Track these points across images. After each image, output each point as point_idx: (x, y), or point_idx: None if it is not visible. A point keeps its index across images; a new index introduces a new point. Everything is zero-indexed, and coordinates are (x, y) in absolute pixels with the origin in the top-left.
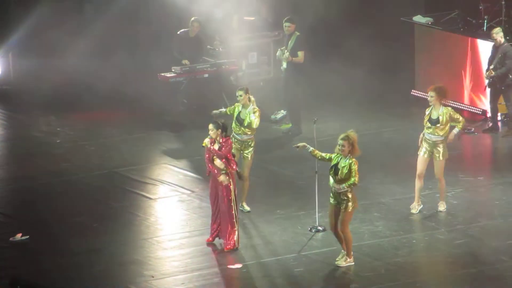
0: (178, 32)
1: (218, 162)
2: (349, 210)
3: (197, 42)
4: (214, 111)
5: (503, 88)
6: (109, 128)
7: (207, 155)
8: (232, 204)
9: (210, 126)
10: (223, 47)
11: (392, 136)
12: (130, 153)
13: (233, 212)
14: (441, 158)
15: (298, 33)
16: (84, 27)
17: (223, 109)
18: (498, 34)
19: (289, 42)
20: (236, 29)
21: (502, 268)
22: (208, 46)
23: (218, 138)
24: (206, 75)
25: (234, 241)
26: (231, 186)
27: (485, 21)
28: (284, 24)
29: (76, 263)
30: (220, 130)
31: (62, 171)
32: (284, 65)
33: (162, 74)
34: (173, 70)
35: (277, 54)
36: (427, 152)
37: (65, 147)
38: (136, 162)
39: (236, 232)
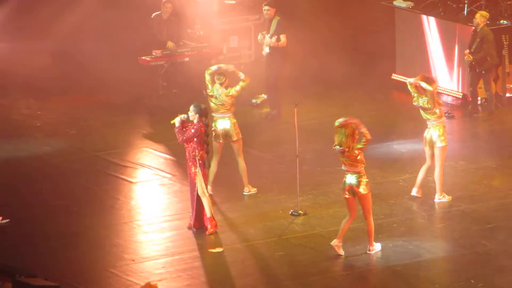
0: (152, 15)
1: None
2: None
3: (171, 23)
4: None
5: (482, 72)
6: (90, 112)
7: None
8: (196, 187)
9: (191, 108)
10: (203, 30)
11: (373, 120)
12: (110, 137)
13: (199, 194)
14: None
15: (278, 18)
16: (64, 10)
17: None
18: (481, 18)
19: (271, 26)
20: (217, 12)
21: (482, 252)
22: (189, 30)
23: (194, 122)
24: (187, 59)
25: (211, 224)
26: (195, 169)
27: (465, 5)
28: (263, 8)
29: (56, 246)
30: (198, 115)
31: (42, 154)
32: (267, 49)
33: (143, 57)
34: (153, 54)
35: (258, 38)
36: None
37: (46, 130)
38: (116, 145)
39: (209, 216)
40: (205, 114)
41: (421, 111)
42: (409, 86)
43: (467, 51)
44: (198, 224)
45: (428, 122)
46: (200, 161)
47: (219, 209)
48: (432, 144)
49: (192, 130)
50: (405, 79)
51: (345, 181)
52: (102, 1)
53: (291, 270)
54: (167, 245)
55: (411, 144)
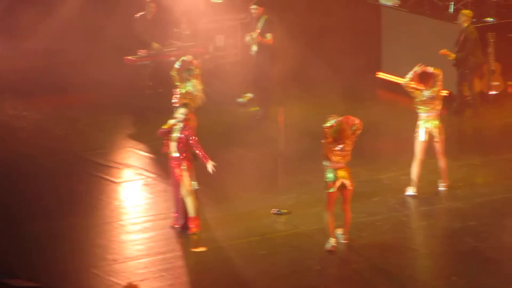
0: (136, 16)
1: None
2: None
3: (155, 23)
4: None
5: (466, 71)
6: (74, 112)
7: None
8: (181, 189)
9: (182, 110)
10: (189, 30)
11: (359, 118)
12: (95, 137)
13: (179, 196)
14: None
15: (266, 16)
16: (50, 10)
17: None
18: (463, 17)
19: (258, 25)
20: (203, 11)
21: (465, 249)
22: (175, 29)
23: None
24: (173, 58)
25: (193, 224)
26: (182, 171)
27: (452, 3)
28: (251, 7)
29: (38, 247)
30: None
31: (26, 154)
32: (255, 48)
33: (129, 57)
34: (139, 54)
35: (246, 39)
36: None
37: (30, 130)
38: (101, 145)
39: (192, 216)
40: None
41: (422, 106)
42: (407, 85)
43: (444, 50)
44: (183, 224)
45: (427, 115)
46: (188, 161)
47: (202, 208)
48: (432, 137)
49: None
50: (391, 77)
51: (335, 176)
52: (89, 0)
53: (275, 269)
54: (150, 245)
55: (395, 142)
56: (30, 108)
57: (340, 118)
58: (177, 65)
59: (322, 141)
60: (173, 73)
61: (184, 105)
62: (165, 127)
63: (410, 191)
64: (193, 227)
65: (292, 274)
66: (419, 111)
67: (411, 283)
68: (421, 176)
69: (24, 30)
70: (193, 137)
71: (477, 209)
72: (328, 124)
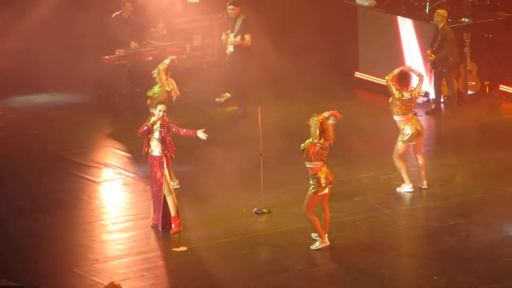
0: (112, 15)
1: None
2: (309, 193)
3: (132, 23)
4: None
5: (444, 70)
6: (53, 112)
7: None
8: (163, 188)
9: (162, 107)
10: (166, 29)
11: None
12: (74, 136)
13: (161, 195)
14: (399, 138)
15: (243, 17)
16: (25, 9)
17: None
18: (438, 17)
19: (235, 25)
20: (180, 11)
21: (445, 248)
22: (152, 29)
23: (162, 121)
24: (150, 58)
25: (175, 224)
26: (164, 170)
27: (427, 3)
28: (228, 7)
29: (19, 246)
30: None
31: (4, 154)
32: (231, 48)
33: (106, 57)
34: (116, 53)
35: (222, 38)
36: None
37: (8, 130)
38: (80, 145)
39: (174, 215)
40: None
41: (402, 108)
42: (390, 83)
43: (429, 50)
44: (164, 224)
45: (408, 116)
46: (169, 160)
47: (182, 208)
48: (418, 135)
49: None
50: (368, 77)
51: (327, 177)
52: (65, 0)
53: (255, 269)
54: (131, 245)
55: (374, 142)
56: (7, 108)
57: (321, 117)
58: (162, 67)
59: (317, 142)
60: (161, 74)
61: (160, 102)
62: (149, 124)
63: (408, 187)
64: (174, 227)
65: (273, 273)
66: (394, 113)
67: (392, 282)
68: (400, 176)
69: (1, 29)
70: (173, 128)
71: (456, 209)
72: (315, 127)
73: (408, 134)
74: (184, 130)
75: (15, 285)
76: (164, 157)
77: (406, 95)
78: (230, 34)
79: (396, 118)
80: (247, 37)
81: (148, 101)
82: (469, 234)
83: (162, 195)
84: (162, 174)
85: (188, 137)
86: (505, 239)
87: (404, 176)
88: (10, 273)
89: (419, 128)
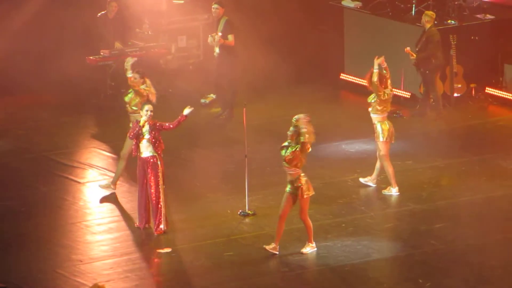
0: (98, 15)
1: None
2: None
3: (117, 23)
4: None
5: (427, 72)
6: (37, 112)
7: (135, 133)
8: (160, 187)
9: (148, 107)
10: (152, 30)
11: (321, 120)
12: (58, 137)
13: (160, 195)
14: (378, 140)
15: (226, 17)
16: (12, 8)
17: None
18: (426, 17)
19: (219, 26)
20: (165, 12)
21: (430, 251)
22: (137, 29)
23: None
24: (135, 59)
25: (164, 224)
26: (159, 169)
27: (413, 5)
28: (212, 7)
29: (2, 247)
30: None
31: None
32: (217, 50)
33: (91, 57)
34: (101, 54)
35: (208, 40)
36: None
37: None
38: (64, 145)
39: (164, 216)
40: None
41: (381, 106)
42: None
43: (407, 48)
44: (147, 225)
45: (383, 115)
46: (161, 160)
47: (167, 209)
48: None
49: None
50: (354, 79)
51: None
52: (50, 0)
53: (240, 271)
54: (115, 246)
55: (359, 144)
56: None
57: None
58: (129, 74)
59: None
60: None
61: (147, 102)
62: (141, 124)
63: (393, 190)
64: (161, 228)
65: (258, 275)
66: (377, 111)
67: (377, 285)
68: (386, 178)
69: None
70: (163, 126)
71: (442, 211)
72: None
73: (385, 129)
74: (171, 124)
75: None
76: (156, 157)
77: (388, 92)
78: (215, 36)
79: (376, 116)
80: (230, 37)
81: (127, 107)
82: (455, 237)
83: (160, 196)
84: (157, 174)
85: (181, 125)
86: (491, 243)
87: (391, 179)
88: None
89: (392, 129)
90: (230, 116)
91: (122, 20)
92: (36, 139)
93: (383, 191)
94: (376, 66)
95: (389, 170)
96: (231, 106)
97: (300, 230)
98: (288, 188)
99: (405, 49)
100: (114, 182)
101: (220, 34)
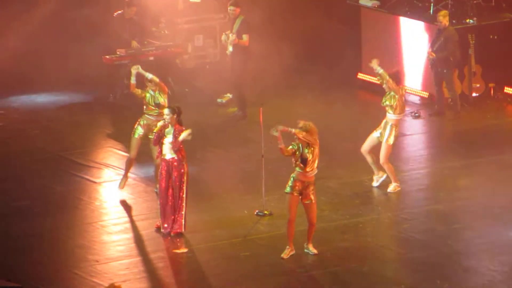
0: (114, 14)
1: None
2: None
3: (133, 22)
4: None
5: (444, 71)
6: (53, 111)
7: (156, 138)
8: (184, 187)
9: (166, 111)
10: (168, 29)
11: (338, 119)
12: (74, 137)
13: (183, 195)
14: (386, 141)
15: (242, 17)
16: (28, 8)
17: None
18: (445, 17)
19: (234, 25)
20: (182, 11)
21: (448, 252)
22: (153, 28)
23: (173, 124)
24: (152, 58)
25: (181, 225)
26: (183, 172)
27: (431, 4)
28: (228, 8)
29: (19, 247)
30: (175, 115)
31: (5, 154)
32: (230, 48)
33: (107, 56)
34: (117, 53)
35: (222, 38)
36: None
37: (8, 130)
38: (80, 145)
39: (184, 216)
40: (180, 113)
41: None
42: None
43: (429, 49)
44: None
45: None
46: (186, 162)
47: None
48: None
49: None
50: (371, 79)
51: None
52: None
53: (257, 271)
54: (131, 246)
55: (377, 144)
56: (7, 107)
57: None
58: (133, 81)
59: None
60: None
61: (169, 107)
62: (155, 130)
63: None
64: (176, 228)
65: (274, 276)
66: (396, 112)
67: (395, 286)
68: (403, 178)
69: (1, 27)
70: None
71: (460, 212)
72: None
73: (396, 135)
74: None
75: (15, 286)
76: (181, 160)
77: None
78: (230, 34)
79: (394, 117)
80: (245, 37)
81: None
82: (473, 238)
83: (183, 197)
84: (181, 175)
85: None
86: (510, 243)
87: (393, 176)
88: (10, 274)
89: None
90: (243, 116)
91: (138, 20)
92: (52, 138)
93: (388, 189)
94: (378, 68)
95: (391, 168)
96: (244, 106)
97: (315, 231)
98: (294, 190)
99: (428, 51)
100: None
101: (232, 35)
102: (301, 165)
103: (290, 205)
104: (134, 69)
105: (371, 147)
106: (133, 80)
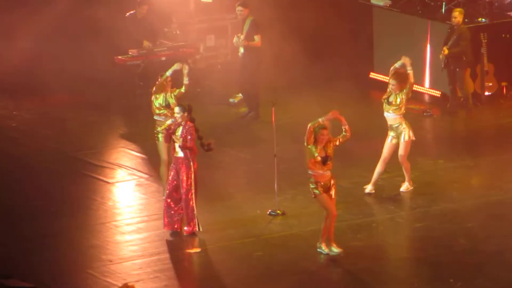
0: (127, 15)
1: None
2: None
3: (146, 23)
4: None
5: (457, 69)
6: (66, 112)
7: (166, 135)
8: (192, 188)
9: (176, 109)
10: (180, 29)
11: (350, 119)
12: (87, 137)
13: (192, 196)
14: (404, 139)
15: (252, 18)
16: (41, 9)
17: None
18: (461, 14)
19: (244, 27)
20: (194, 11)
21: (461, 251)
22: (165, 29)
23: (183, 122)
24: (164, 58)
25: (196, 224)
26: (191, 170)
27: (443, 3)
28: (236, 9)
29: (33, 247)
30: (186, 113)
31: (18, 155)
32: (242, 50)
33: (119, 57)
34: (130, 53)
35: (234, 41)
36: (394, 138)
37: (21, 130)
38: (93, 146)
39: (196, 216)
40: (189, 110)
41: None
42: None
43: (445, 47)
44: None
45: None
46: (194, 159)
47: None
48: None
49: (189, 137)
50: (384, 78)
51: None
52: (78, 0)
53: (269, 270)
54: (145, 246)
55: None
56: (21, 108)
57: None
58: (169, 73)
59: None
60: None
61: (180, 105)
62: (162, 128)
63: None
64: (190, 229)
65: (287, 275)
66: (397, 112)
67: (407, 285)
68: (416, 177)
69: (13, 30)
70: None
71: (472, 211)
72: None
73: (409, 127)
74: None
75: (29, 286)
76: (190, 158)
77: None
78: (241, 36)
79: (399, 117)
80: (256, 38)
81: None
82: (486, 237)
83: (192, 196)
84: (189, 174)
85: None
86: None
87: (408, 175)
88: (24, 274)
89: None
90: (256, 117)
91: (151, 20)
92: (65, 139)
93: (401, 189)
94: (409, 67)
95: (408, 167)
96: (256, 106)
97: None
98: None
99: (443, 52)
100: None
101: (242, 36)
102: (323, 164)
103: (326, 203)
104: (184, 68)
105: (391, 154)
106: (169, 73)
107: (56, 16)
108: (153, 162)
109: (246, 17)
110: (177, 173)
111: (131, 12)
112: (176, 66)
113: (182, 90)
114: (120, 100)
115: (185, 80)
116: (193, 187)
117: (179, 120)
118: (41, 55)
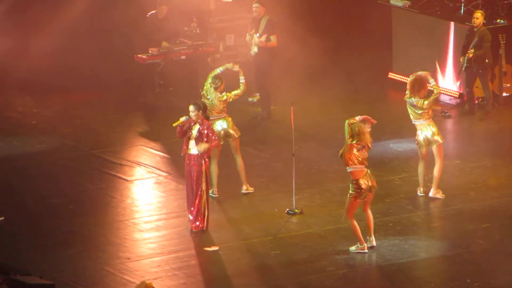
0: (148, 15)
1: (203, 146)
2: (348, 196)
3: (167, 22)
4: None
5: (480, 71)
6: (86, 110)
7: (179, 131)
8: (203, 184)
9: (191, 107)
10: (200, 28)
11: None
12: (106, 135)
13: (203, 193)
14: (436, 142)
15: (268, 17)
16: (62, 7)
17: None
18: (482, 16)
19: (260, 26)
20: (213, 10)
21: (478, 251)
22: (185, 28)
23: (199, 120)
24: (183, 57)
25: (203, 222)
26: (203, 168)
27: (462, 4)
28: (253, 5)
29: (51, 244)
30: (201, 111)
31: (37, 152)
32: (255, 49)
33: (139, 55)
34: (150, 52)
35: (246, 39)
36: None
37: (41, 128)
38: (112, 143)
39: (206, 214)
40: (206, 109)
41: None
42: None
43: (470, 50)
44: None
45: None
46: (208, 157)
47: (215, 207)
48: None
49: (211, 134)
50: (402, 78)
51: (367, 183)
52: None
53: (287, 269)
54: (163, 244)
55: (407, 143)
56: (40, 105)
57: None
58: (220, 70)
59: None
60: (210, 76)
61: (195, 103)
62: (175, 124)
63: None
64: (199, 225)
65: (305, 274)
66: (425, 118)
67: (424, 284)
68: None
69: (33, 27)
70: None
71: (490, 211)
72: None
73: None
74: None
75: (47, 283)
76: (203, 156)
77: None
78: (254, 34)
79: (425, 121)
80: (272, 38)
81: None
82: (503, 237)
83: (202, 193)
84: (200, 171)
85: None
86: None
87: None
88: (42, 271)
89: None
90: (267, 116)
91: (171, 20)
92: (84, 137)
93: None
94: (432, 80)
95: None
96: (268, 106)
97: (346, 229)
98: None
99: (468, 54)
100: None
101: (258, 35)
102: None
103: (351, 207)
104: (234, 68)
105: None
106: (219, 70)
107: (76, 13)
108: (171, 160)
109: (261, 15)
110: (190, 170)
111: (152, 12)
112: (228, 65)
113: (239, 91)
114: (139, 99)
115: (241, 79)
116: (204, 184)
117: (194, 118)
118: (61, 53)
